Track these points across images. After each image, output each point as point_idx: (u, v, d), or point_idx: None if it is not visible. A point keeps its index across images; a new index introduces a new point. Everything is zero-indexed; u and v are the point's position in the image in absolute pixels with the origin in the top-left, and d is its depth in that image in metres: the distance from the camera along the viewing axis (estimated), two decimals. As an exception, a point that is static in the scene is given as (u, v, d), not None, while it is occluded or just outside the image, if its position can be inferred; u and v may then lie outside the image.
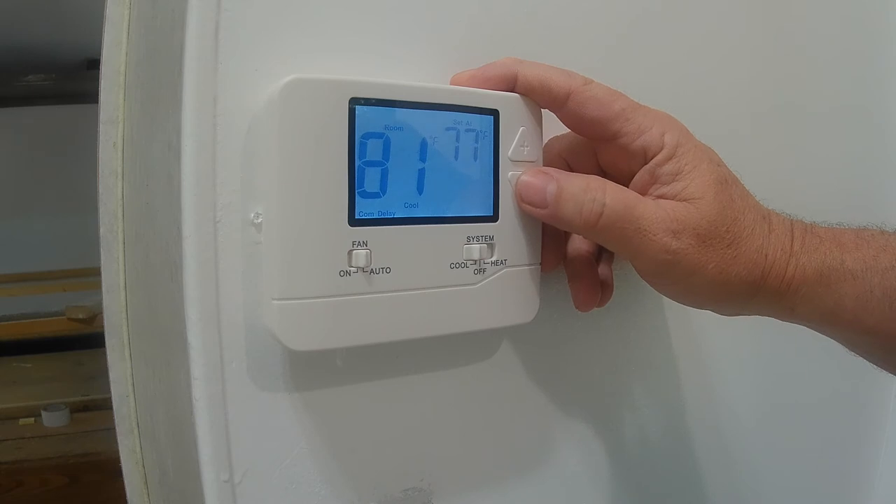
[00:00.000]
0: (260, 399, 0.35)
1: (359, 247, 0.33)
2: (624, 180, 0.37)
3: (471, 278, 0.36)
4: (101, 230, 0.48)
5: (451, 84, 0.37)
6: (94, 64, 0.47)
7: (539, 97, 0.37)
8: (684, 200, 0.35)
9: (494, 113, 0.36)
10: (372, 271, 0.33)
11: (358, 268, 0.33)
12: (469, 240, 0.36)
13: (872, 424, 0.63)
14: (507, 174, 0.37)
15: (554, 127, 0.38)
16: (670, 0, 0.46)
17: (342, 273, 0.33)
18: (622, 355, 0.48)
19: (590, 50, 0.43)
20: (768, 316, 0.38)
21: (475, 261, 0.36)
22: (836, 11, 0.55)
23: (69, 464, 1.45)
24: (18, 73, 2.08)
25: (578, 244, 0.41)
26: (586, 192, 0.35)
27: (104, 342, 0.50)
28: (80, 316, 1.92)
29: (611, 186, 0.35)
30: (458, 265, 0.36)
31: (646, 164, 0.36)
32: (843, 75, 0.56)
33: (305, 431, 0.37)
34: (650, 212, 0.34)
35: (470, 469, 0.43)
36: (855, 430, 0.62)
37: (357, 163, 0.33)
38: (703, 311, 0.39)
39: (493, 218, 0.37)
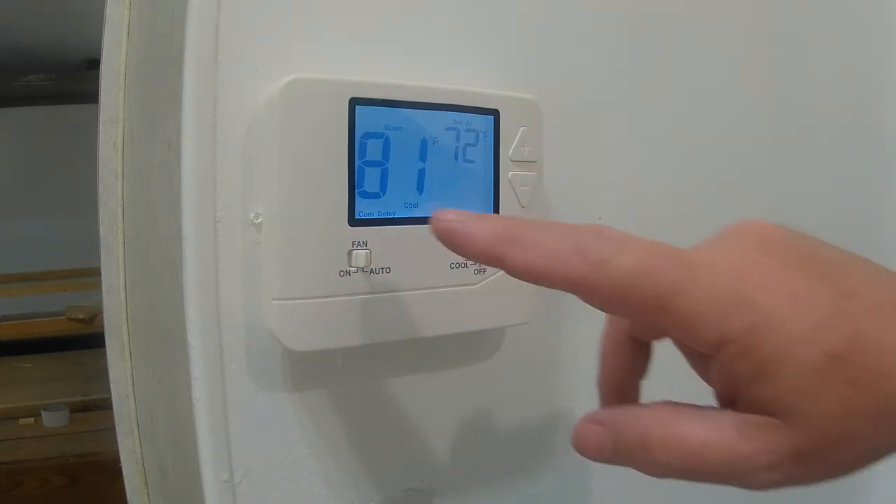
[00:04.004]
0: (260, 399, 0.35)
1: (359, 247, 0.33)
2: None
3: (471, 278, 0.36)
4: (101, 230, 0.48)
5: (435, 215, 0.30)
6: (94, 64, 0.47)
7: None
8: (773, 415, 0.25)
9: (495, 113, 0.36)
10: (372, 271, 0.33)
11: (358, 268, 0.33)
12: (469, 240, 0.36)
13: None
14: (508, 174, 0.37)
15: (554, 127, 0.38)
16: (670, 6, 0.46)
17: (342, 273, 0.33)
18: (622, 355, 0.47)
19: (589, 50, 0.43)
20: None
21: (475, 261, 0.36)
22: (837, 16, 0.55)
23: (69, 464, 1.45)
24: (18, 73, 2.08)
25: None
26: (645, 450, 0.27)
27: (104, 342, 0.50)
28: (80, 316, 1.92)
29: (671, 437, 0.26)
30: (458, 265, 0.36)
31: (713, 360, 0.26)
32: (843, 82, 0.56)
33: (305, 431, 0.37)
34: (726, 453, 0.25)
35: (470, 469, 0.43)
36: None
37: (357, 163, 0.33)
38: None
39: (493, 218, 0.37)
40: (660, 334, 0.30)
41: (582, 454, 0.30)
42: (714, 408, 0.28)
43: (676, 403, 0.28)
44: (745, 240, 0.27)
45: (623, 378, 0.33)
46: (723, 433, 0.26)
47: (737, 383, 0.26)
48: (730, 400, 0.27)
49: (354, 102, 0.32)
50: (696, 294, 0.25)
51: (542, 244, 0.27)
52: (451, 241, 0.29)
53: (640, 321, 0.31)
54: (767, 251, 0.26)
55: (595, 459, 0.29)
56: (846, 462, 0.25)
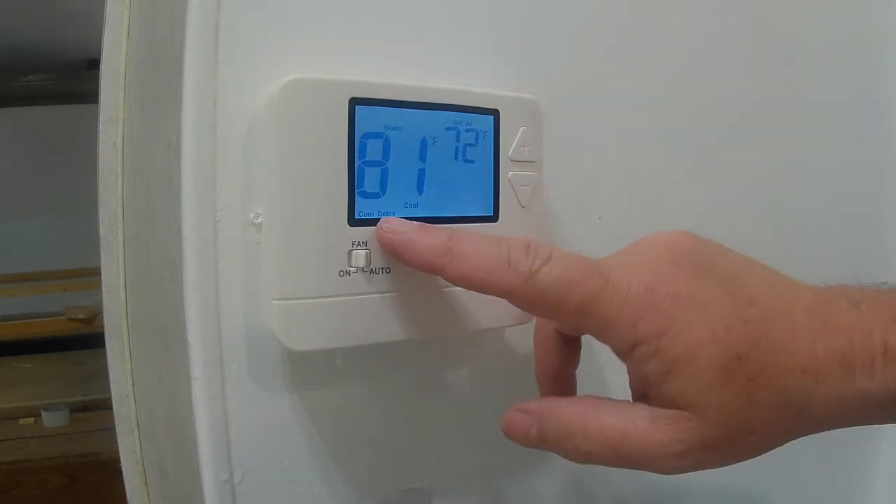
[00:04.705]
0: (260, 399, 0.35)
1: (358, 247, 0.33)
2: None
3: (471, 278, 0.36)
4: (101, 230, 0.49)
5: (380, 223, 0.33)
6: (94, 64, 0.47)
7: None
8: (682, 408, 0.28)
9: (495, 113, 0.36)
10: (371, 271, 0.33)
11: (357, 268, 0.33)
12: (469, 240, 0.36)
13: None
14: (508, 174, 0.37)
15: (555, 127, 0.38)
16: (670, 6, 0.46)
17: (342, 273, 0.33)
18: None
19: (589, 50, 0.43)
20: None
21: (475, 261, 0.36)
22: (838, 14, 0.55)
23: (69, 464, 1.45)
24: (18, 73, 2.09)
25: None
26: (567, 439, 0.30)
27: (104, 342, 0.50)
28: (80, 316, 1.93)
29: (592, 428, 0.29)
30: (458, 265, 0.36)
31: (628, 358, 0.29)
32: (845, 81, 0.56)
33: (305, 431, 0.37)
34: (641, 442, 0.28)
35: (470, 469, 0.43)
36: (855, 429, 0.62)
37: (357, 163, 0.33)
38: None
39: (493, 218, 0.37)
40: (583, 331, 0.33)
41: (510, 439, 0.33)
42: (629, 402, 0.30)
43: (597, 397, 0.31)
44: (658, 252, 0.30)
45: (556, 369, 0.36)
46: (638, 424, 0.29)
47: (649, 381, 0.28)
48: (643, 395, 0.30)
49: (354, 102, 0.32)
50: (613, 302, 0.28)
51: (476, 256, 0.30)
52: (393, 250, 0.32)
53: (565, 324, 0.34)
54: (677, 262, 0.29)
55: (522, 444, 0.32)
56: (749, 447, 0.28)
